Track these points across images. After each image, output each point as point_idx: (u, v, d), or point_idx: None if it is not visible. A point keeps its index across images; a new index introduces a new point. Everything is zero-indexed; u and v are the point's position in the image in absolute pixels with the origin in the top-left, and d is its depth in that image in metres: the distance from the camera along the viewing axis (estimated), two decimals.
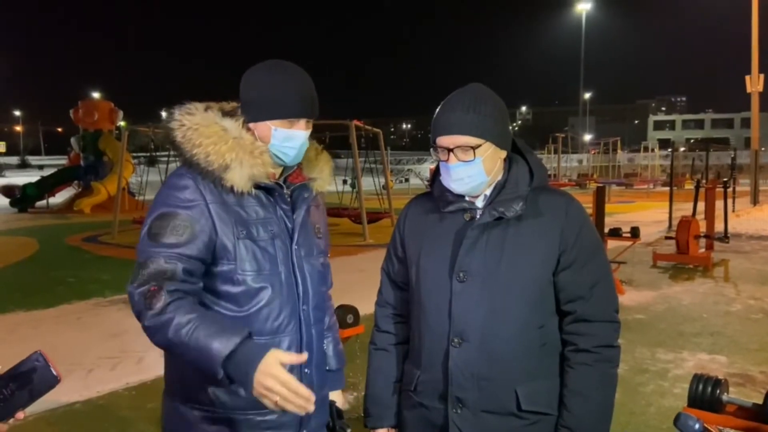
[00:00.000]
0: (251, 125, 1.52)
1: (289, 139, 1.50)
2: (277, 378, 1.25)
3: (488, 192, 1.52)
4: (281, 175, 1.58)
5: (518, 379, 1.46)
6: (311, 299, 1.57)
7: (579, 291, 1.47)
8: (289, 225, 1.55)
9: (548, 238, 1.47)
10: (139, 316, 1.38)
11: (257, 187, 1.49)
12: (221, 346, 1.28)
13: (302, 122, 1.51)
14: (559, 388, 1.50)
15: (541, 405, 1.47)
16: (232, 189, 1.45)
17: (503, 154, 1.51)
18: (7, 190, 23.37)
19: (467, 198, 1.53)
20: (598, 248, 1.52)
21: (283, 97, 1.48)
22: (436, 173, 1.59)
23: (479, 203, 1.52)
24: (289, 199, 1.57)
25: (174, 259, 1.39)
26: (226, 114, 1.54)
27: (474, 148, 1.45)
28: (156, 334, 1.36)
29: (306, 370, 1.56)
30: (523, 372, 1.46)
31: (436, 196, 1.56)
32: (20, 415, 1.03)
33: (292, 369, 1.50)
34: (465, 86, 1.53)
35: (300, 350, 1.53)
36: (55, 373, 1.03)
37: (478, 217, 1.50)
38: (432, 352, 1.52)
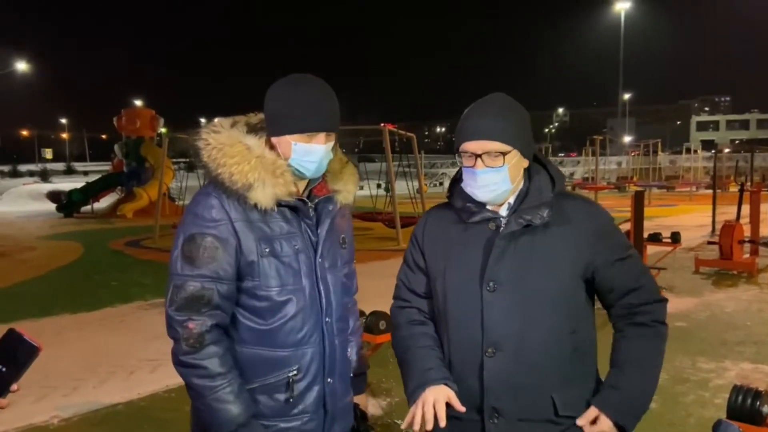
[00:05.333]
0: (274, 140, 1.55)
1: (308, 153, 1.52)
2: None
3: (511, 200, 1.53)
4: (306, 187, 1.60)
5: (554, 386, 1.47)
6: (335, 311, 1.59)
7: (630, 284, 1.52)
8: (314, 238, 1.57)
9: (576, 243, 1.48)
10: (174, 344, 1.47)
11: (282, 203, 1.51)
12: (233, 414, 1.44)
13: (321, 136, 1.52)
14: (598, 381, 1.54)
15: (578, 410, 1.48)
16: (256, 206, 1.48)
17: (526, 163, 1.53)
18: (54, 196, 24.21)
19: (490, 207, 1.53)
20: (628, 243, 1.58)
21: (301, 111, 1.50)
22: (454, 183, 1.60)
23: (503, 212, 1.53)
24: (313, 213, 1.59)
25: (212, 283, 1.46)
26: (252, 129, 1.57)
27: (504, 154, 1.46)
28: (186, 369, 1.47)
29: (329, 380, 1.58)
30: (559, 378, 1.47)
31: (458, 207, 1.56)
32: (14, 387, 1.12)
33: (314, 380, 1.55)
34: (491, 95, 1.53)
35: (323, 361, 1.56)
36: (32, 343, 1.11)
37: (503, 226, 1.50)
38: (464, 363, 1.51)
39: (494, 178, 1.47)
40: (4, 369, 1.10)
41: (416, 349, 1.56)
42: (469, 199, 1.53)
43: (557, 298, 1.47)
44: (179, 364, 1.48)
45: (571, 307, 1.49)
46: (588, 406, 1.48)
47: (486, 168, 1.47)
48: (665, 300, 1.55)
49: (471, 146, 1.48)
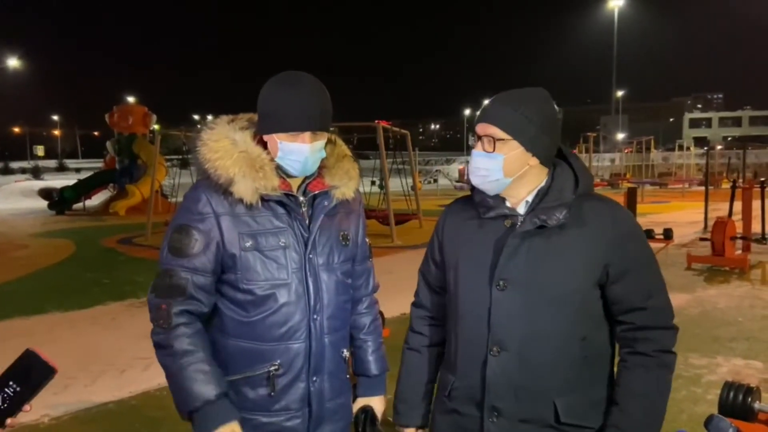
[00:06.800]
0: (265, 137, 1.55)
1: (292, 152, 1.52)
2: None
3: (530, 198, 1.48)
4: (302, 183, 1.59)
5: (557, 391, 1.43)
6: (325, 308, 1.58)
7: (635, 302, 1.43)
8: (305, 234, 1.56)
9: (592, 248, 1.41)
10: (152, 326, 1.54)
11: (266, 198, 1.51)
12: (200, 391, 1.47)
13: (306, 135, 1.51)
14: (609, 390, 1.47)
15: (580, 418, 1.44)
16: (242, 201, 1.50)
17: (534, 161, 1.45)
18: (46, 193, 24.04)
19: (508, 204, 1.49)
20: (649, 256, 1.47)
21: (286, 111, 1.49)
22: None
23: (521, 210, 1.48)
24: (304, 209, 1.58)
25: (188, 273, 1.50)
26: (254, 125, 1.57)
27: (496, 140, 1.43)
28: (157, 350, 1.54)
29: (314, 379, 1.57)
30: (563, 383, 1.43)
31: (476, 201, 1.53)
32: (27, 407, 1.10)
33: (298, 377, 1.55)
34: (528, 87, 1.50)
35: (308, 358, 1.56)
36: (50, 365, 1.10)
37: (519, 224, 1.46)
38: (468, 359, 1.49)
39: (486, 163, 1.44)
40: (18, 389, 1.09)
41: (407, 373, 1.67)
42: (486, 193, 1.50)
43: (567, 301, 1.41)
44: (153, 344, 1.54)
45: (582, 312, 1.43)
46: (590, 414, 1.43)
47: (481, 151, 1.45)
48: (674, 328, 1.44)
49: (478, 128, 1.48)
